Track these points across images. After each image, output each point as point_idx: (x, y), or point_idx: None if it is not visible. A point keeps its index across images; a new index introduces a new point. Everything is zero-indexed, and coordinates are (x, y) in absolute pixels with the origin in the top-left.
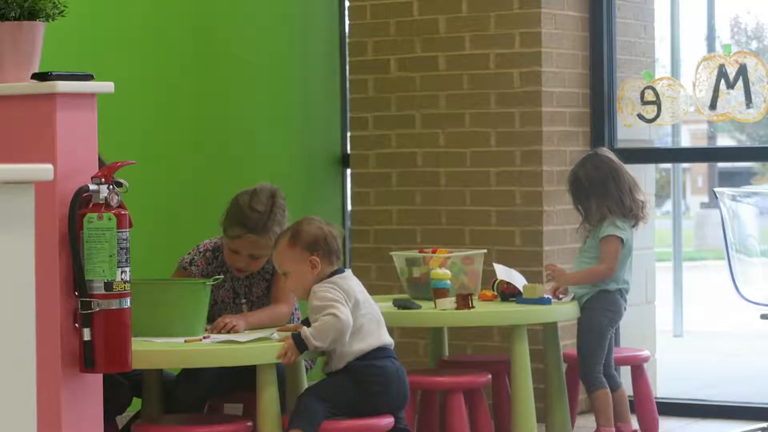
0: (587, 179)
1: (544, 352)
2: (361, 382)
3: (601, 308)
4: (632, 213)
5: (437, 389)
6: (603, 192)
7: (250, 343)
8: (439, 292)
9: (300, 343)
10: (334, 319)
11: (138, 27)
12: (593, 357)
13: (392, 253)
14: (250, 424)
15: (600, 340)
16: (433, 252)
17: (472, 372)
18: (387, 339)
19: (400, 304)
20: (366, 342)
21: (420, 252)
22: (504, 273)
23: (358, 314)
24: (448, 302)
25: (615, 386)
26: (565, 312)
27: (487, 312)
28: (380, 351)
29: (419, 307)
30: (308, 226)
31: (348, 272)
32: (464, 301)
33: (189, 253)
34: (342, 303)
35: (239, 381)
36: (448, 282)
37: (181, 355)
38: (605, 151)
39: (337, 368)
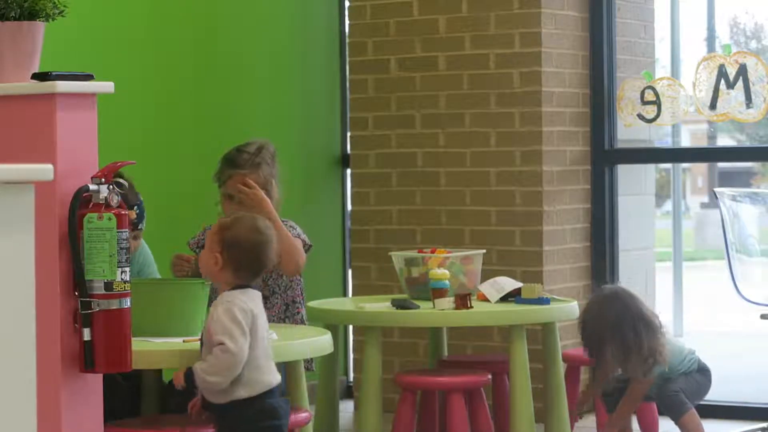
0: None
1: (543, 352)
2: None
3: None
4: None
5: (437, 389)
6: None
7: None
8: (438, 292)
9: (191, 380)
10: (224, 355)
11: (138, 27)
12: None
13: (391, 253)
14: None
15: None
16: (432, 252)
17: (471, 372)
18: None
19: (398, 304)
20: None
21: (419, 252)
22: (488, 286)
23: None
24: (447, 302)
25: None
26: (564, 312)
27: (486, 312)
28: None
29: (418, 307)
30: (248, 227)
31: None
32: (462, 301)
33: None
34: (239, 333)
35: None
36: (447, 282)
37: (180, 355)
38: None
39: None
